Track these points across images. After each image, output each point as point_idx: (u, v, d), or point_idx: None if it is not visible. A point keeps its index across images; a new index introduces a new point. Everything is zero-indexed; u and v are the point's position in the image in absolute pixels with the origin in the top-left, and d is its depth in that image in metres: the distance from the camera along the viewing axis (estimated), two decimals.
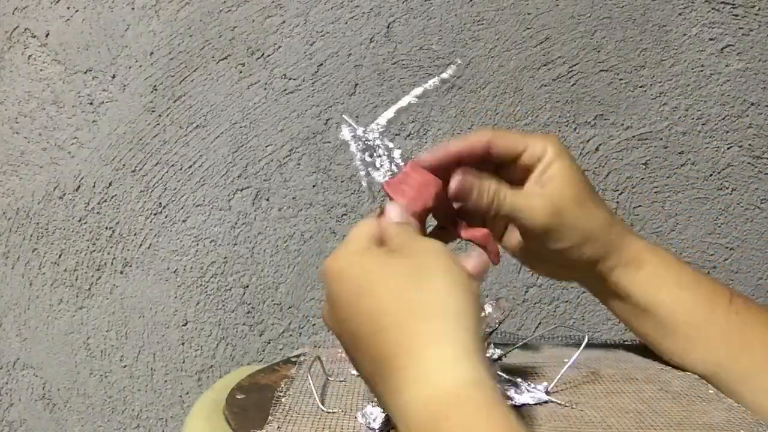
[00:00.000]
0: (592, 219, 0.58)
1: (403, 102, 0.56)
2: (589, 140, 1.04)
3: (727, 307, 0.58)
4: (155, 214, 1.05)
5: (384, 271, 0.44)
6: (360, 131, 0.54)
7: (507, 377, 0.57)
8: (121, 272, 1.06)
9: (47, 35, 1.03)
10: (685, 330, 0.58)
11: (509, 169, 0.57)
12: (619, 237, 0.58)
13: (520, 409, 0.53)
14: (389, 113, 0.55)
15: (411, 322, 0.41)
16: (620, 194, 1.05)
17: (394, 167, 0.54)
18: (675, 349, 0.59)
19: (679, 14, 1.03)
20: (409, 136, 1.04)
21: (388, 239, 0.47)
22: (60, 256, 1.05)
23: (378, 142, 0.54)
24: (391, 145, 0.54)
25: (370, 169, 0.54)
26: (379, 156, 0.54)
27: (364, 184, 0.54)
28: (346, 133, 0.54)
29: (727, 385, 0.57)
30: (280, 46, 1.03)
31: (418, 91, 0.57)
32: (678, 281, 0.59)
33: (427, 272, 0.43)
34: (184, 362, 1.07)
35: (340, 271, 0.45)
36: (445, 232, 0.57)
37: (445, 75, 0.58)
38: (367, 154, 0.54)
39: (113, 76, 1.03)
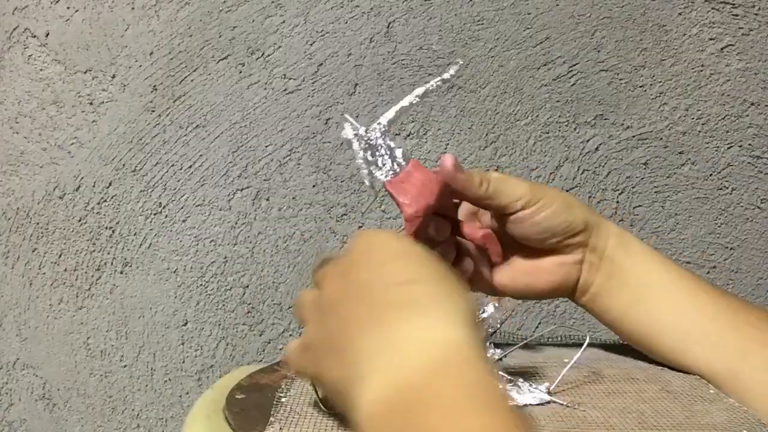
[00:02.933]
0: (569, 199, 0.60)
1: (405, 102, 0.56)
2: (589, 140, 1.04)
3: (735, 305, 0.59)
4: (155, 214, 1.05)
5: (419, 252, 0.44)
6: (362, 131, 0.54)
7: (508, 377, 0.57)
8: (121, 272, 1.05)
9: (47, 35, 1.03)
10: (688, 330, 0.59)
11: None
12: (598, 217, 0.60)
13: (522, 410, 0.53)
14: (390, 113, 0.55)
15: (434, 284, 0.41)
16: (620, 194, 1.05)
17: (396, 166, 0.54)
18: (674, 347, 0.60)
19: (679, 14, 1.03)
20: (409, 135, 1.04)
21: None
22: (60, 256, 1.05)
23: (380, 141, 0.54)
24: (392, 144, 0.55)
25: (372, 168, 0.54)
26: (381, 155, 0.54)
27: (366, 182, 0.54)
28: (348, 132, 0.54)
29: (735, 382, 0.57)
30: (280, 46, 1.03)
31: (420, 91, 0.57)
32: (666, 266, 0.61)
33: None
34: (184, 362, 1.07)
35: (379, 236, 0.45)
36: (444, 249, 0.57)
37: (446, 75, 0.58)
38: (369, 153, 0.54)
39: (113, 76, 1.03)
